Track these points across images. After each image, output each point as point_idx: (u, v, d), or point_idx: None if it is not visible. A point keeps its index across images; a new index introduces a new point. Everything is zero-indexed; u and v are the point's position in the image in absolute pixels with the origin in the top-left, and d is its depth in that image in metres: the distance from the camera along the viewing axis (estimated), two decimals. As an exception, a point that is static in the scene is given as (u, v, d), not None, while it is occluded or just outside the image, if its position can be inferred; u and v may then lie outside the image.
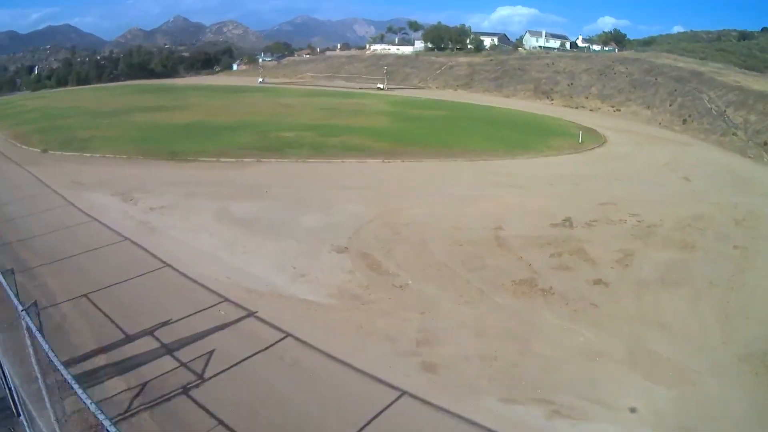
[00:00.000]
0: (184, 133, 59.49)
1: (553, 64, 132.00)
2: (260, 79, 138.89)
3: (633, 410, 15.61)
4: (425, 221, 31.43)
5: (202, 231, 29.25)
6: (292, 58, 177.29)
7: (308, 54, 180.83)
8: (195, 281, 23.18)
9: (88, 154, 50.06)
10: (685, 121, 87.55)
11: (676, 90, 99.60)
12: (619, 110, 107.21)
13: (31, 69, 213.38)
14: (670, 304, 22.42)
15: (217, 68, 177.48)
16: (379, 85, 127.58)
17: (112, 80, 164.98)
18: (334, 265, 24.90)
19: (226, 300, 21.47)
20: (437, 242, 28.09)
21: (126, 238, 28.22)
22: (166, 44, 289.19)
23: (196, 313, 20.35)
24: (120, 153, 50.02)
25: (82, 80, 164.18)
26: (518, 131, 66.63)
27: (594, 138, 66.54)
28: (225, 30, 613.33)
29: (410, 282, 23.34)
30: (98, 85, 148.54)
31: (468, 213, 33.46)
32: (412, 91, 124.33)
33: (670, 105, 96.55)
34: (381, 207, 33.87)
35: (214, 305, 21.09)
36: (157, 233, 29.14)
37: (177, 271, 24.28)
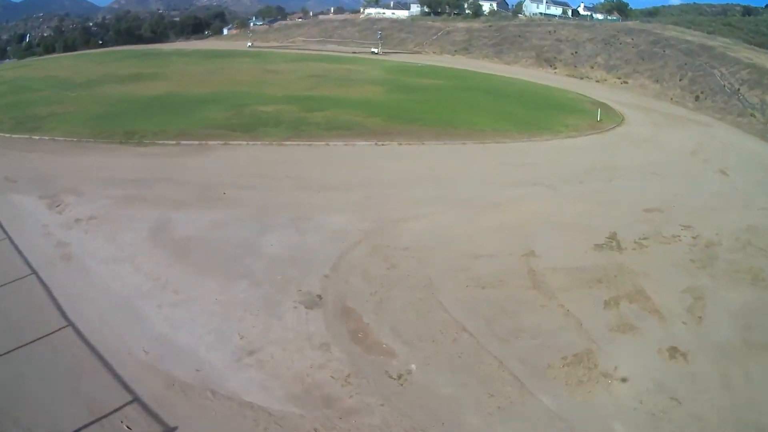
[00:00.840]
0: (151, 108, 50.69)
1: (555, 31, 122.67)
2: (249, 44, 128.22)
3: None
4: (430, 243, 23.27)
5: (127, 261, 21.05)
6: (284, 22, 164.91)
7: (301, 18, 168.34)
8: (100, 358, 15.20)
9: (37, 137, 41.50)
10: (697, 97, 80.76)
11: (686, 64, 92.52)
12: (627, 82, 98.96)
13: (22, 37, 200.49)
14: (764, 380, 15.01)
15: (208, 33, 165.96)
16: (373, 50, 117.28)
17: (100, 47, 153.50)
18: (300, 333, 16.75)
19: (136, 400, 13.60)
20: (449, 282, 19.95)
21: (33, 272, 20.43)
22: (159, 9, 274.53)
23: (86, 427, 12.39)
24: (72, 135, 41.53)
25: (70, 47, 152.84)
26: (528, 106, 58.06)
27: (611, 115, 58.20)
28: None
29: (413, 367, 15.25)
30: (84, 52, 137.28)
31: (486, 227, 25.40)
32: (408, 57, 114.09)
33: (681, 80, 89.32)
34: (372, 219, 25.68)
35: (118, 410, 13.32)
36: (72, 264, 21.09)
37: (80, 335, 16.38)
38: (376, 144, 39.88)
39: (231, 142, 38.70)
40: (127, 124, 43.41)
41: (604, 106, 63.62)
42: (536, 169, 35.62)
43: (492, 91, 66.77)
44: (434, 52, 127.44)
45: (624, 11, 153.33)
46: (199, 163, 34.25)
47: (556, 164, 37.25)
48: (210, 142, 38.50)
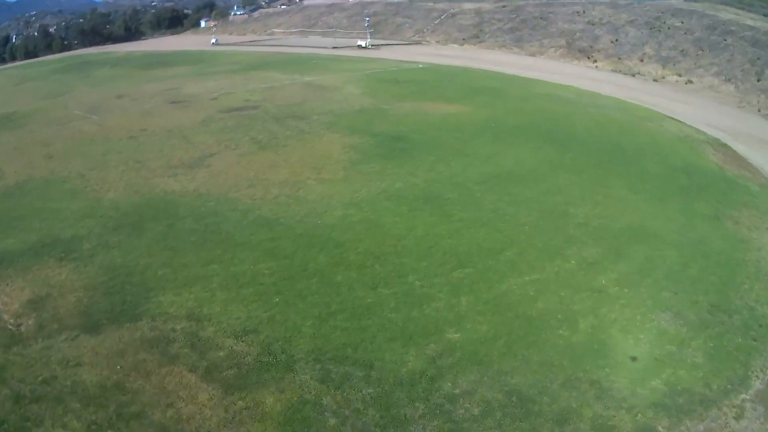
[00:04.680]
0: None
1: (584, 12, 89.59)
2: (213, 40, 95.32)
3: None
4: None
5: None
6: (265, 10, 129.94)
7: (284, 4, 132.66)
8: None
9: None
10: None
11: (759, 58, 65.45)
12: (691, 81, 67.17)
13: (7, 39, 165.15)
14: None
15: (185, 26, 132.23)
16: (359, 42, 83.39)
17: (62, 50, 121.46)
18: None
19: None
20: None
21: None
22: (153, 2, 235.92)
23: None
24: None
25: (30, 53, 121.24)
26: (630, 184, 26.01)
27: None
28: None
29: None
30: (30, 61, 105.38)
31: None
32: (405, 51, 79.91)
33: (759, 80, 61.65)
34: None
35: None
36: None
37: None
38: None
39: None
40: None
41: (723, 150, 33.05)
42: None
43: (557, 133, 34.18)
44: (437, 42, 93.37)
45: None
46: None
47: None
48: None
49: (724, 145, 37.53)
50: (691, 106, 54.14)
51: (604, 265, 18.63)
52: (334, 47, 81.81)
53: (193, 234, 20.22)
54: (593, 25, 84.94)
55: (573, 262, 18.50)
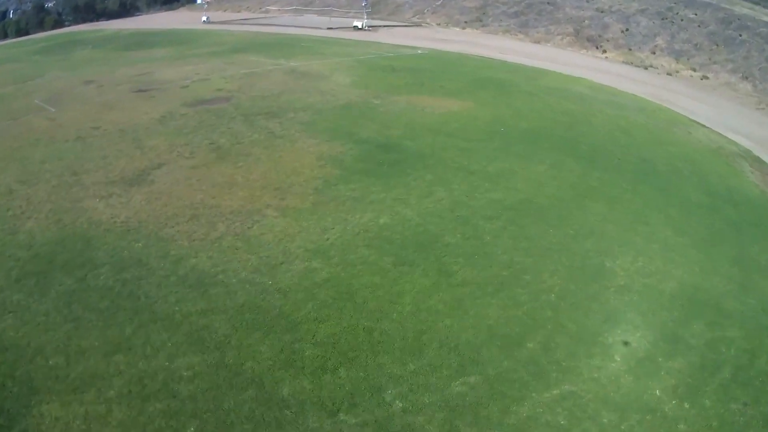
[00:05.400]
0: None
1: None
2: (204, 17, 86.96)
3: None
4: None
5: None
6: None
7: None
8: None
9: None
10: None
11: None
12: (707, 77, 61.28)
13: (4, 15, 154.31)
14: None
15: (182, 1, 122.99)
16: (356, 23, 75.73)
17: (54, 27, 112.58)
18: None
19: None
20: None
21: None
22: None
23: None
24: None
25: (22, 31, 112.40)
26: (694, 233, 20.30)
27: None
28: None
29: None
30: (12, 41, 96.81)
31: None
32: (404, 33, 72.51)
33: None
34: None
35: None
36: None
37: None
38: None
39: None
40: None
41: (759, 167, 27.47)
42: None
43: (576, 142, 28.08)
44: (438, 24, 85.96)
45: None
46: None
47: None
48: None
49: (758, 160, 31.77)
50: (711, 106, 48.35)
51: (656, 361, 12.91)
52: (328, 27, 74.53)
53: (105, 296, 14.33)
54: (602, 12, 78.19)
55: (618, 358, 12.74)
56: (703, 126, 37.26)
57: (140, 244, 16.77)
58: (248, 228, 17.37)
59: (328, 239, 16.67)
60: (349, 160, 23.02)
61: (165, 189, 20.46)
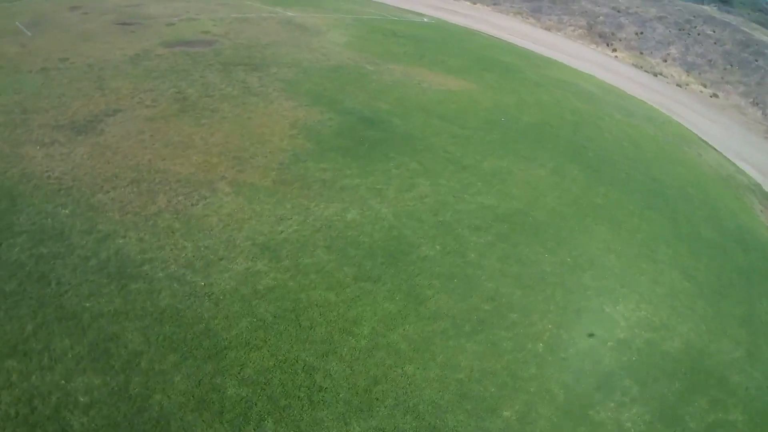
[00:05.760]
0: None
1: (612, -6, 79.20)
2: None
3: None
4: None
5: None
6: None
7: None
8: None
9: None
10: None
11: None
12: (717, 96, 58.80)
13: None
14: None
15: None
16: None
17: None
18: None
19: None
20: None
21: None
22: None
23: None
24: None
25: None
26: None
27: None
28: None
29: None
30: None
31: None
32: (412, -2, 67.99)
33: None
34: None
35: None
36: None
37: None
38: None
39: None
40: None
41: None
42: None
43: (582, 146, 25.01)
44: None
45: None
46: None
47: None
48: None
49: (767, 195, 29.44)
50: (719, 126, 46.05)
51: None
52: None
53: (14, 276, 11.09)
54: (619, 12, 75.01)
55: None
56: (714, 149, 34.76)
57: (67, 211, 13.40)
58: (192, 205, 14.06)
59: (282, 232, 13.49)
60: (326, 132, 19.57)
61: (113, 142, 16.88)
